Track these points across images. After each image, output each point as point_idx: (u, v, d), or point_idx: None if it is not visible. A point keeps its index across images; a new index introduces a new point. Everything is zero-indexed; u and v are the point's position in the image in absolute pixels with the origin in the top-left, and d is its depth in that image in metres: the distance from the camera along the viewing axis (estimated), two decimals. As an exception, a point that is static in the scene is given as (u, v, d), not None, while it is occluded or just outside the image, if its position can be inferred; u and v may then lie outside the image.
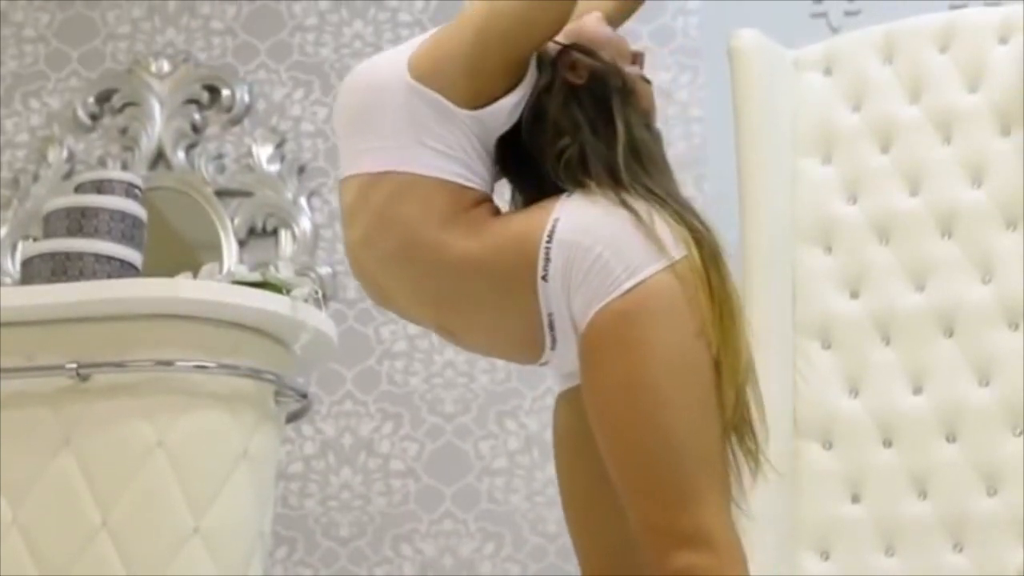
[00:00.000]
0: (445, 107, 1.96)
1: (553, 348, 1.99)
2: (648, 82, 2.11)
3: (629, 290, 1.90)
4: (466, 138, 1.98)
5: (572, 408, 2.09)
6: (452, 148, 1.98)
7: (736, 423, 1.94)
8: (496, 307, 2.00)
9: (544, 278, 1.93)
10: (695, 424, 1.89)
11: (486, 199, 2.03)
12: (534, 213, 1.99)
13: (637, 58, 2.12)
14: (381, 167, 2.00)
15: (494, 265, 1.97)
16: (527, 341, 2.01)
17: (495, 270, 1.97)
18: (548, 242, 1.94)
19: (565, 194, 1.98)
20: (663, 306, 1.90)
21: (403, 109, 1.97)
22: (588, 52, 2.06)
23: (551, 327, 1.97)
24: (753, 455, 1.97)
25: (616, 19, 2.25)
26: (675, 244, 1.93)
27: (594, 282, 1.91)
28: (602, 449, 1.94)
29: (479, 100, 1.98)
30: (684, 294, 1.90)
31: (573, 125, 2.01)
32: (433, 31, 2.07)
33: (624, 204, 1.94)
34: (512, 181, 2.12)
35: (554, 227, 1.94)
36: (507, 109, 2.00)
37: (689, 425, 1.89)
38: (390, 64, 2.03)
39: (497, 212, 2.04)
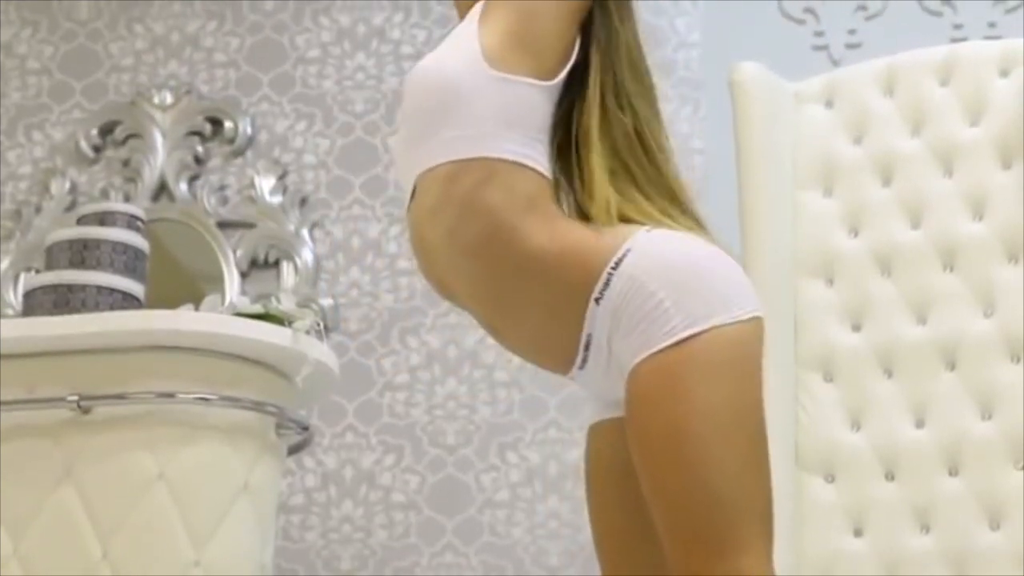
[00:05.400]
0: (535, 86, 1.97)
1: (582, 368, 1.98)
2: None
3: (685, 340, 1.87)
4: (544, 118, 1.99)
5: (608, 440, 2.06)
6: (537, 132, 1.98)
7: None
8: (544, 310, 1.98)
9: (598, 301, 1.92)
10: (741, 478, 1.87)
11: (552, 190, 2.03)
12: (609, 233, 1.96)
13: None
14: (465, 154, 1.97)
15: (556, 269, 1.95)
16: (562, 352, 1.99)
17: (556, 274, 1.95)
18: (613, 268, 1.92)
19: (646, 227, 1.96)
20: (719, 359, 1.87)
21: (487, 99, 1.96)
22: None
23: (586, 347, 1.95)
24: None
25: None
26: (753, 301, 1.94)
27: (651, 328, 1.88)
28: (645, 492, 1.92)
29: (563, 65, 1.99)
30: (748, 353, 1.90)
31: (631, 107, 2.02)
32: (470, 25, 2.02)
33: (705, 246, 1.97)
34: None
35: (623, 257, 1.92)
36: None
37: (734, 479, 1.86)
38: (456, 61, 2.00)
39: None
